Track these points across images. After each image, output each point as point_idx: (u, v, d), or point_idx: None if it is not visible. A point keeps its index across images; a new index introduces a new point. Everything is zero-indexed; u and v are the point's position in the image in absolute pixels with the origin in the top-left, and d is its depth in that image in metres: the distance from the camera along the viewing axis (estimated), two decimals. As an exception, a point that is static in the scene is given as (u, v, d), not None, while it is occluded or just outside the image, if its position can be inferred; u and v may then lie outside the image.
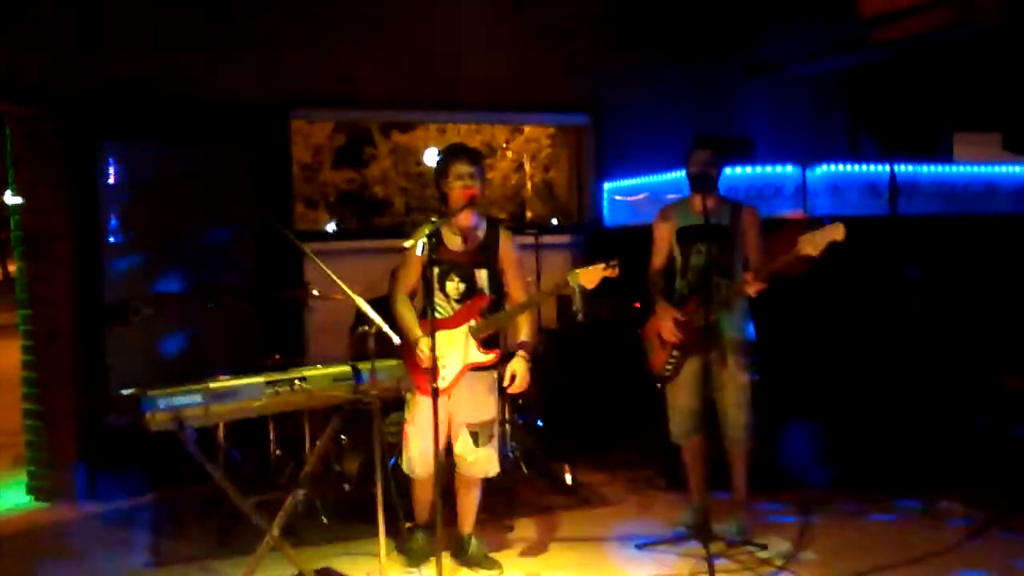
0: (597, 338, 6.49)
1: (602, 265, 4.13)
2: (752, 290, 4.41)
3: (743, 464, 4.73)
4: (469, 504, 4.50)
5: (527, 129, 14.47)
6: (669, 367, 4.72)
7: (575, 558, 4.62)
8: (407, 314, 4.30)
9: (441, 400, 3.88)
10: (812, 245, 4.22)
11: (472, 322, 4.26)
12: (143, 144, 5.98)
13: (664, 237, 4.84)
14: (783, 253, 4.36)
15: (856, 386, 5.79)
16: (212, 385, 3.64)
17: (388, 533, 3.80)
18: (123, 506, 5.68)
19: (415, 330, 4.21)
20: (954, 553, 4.52)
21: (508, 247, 4.42)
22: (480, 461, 4.38)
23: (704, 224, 4.54)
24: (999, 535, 4.71)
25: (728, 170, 6.10)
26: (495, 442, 4.42)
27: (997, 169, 6.89)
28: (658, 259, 4.86)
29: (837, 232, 4.20)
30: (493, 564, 4.47)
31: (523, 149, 15.28)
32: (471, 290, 4.30)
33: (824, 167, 6.15)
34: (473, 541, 4.53)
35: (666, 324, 4.63)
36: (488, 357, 4.28)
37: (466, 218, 4.33)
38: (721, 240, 4.61)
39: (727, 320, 4.61)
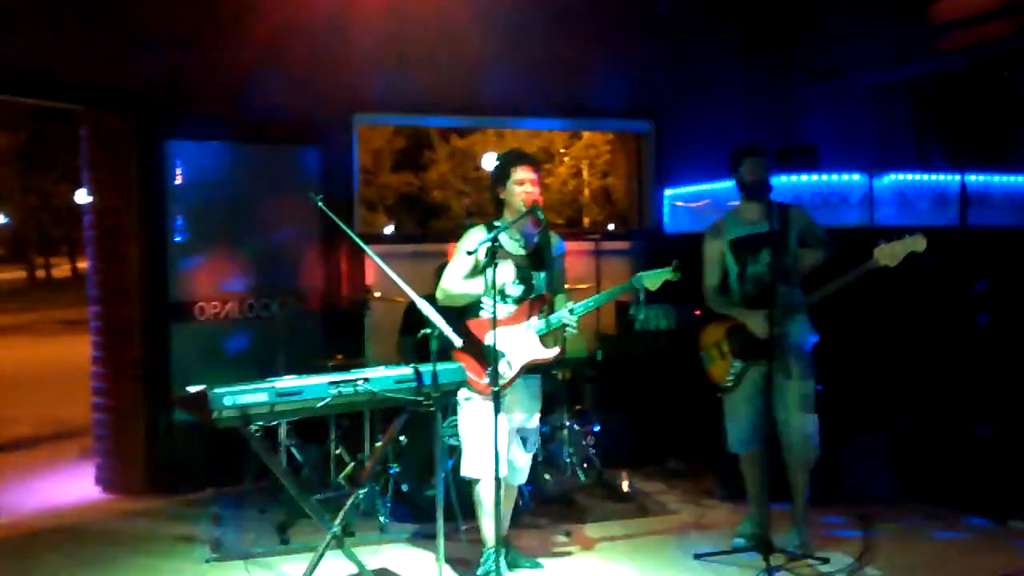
0: (656, 345, 6.45)
1: (667, 269, 4.14)
2: (817, 298, 4.37)
3: (804, 475, 4.65)
4: (509, 508, 4.54)
5: (585, 135, 14.42)
6: (731, 378, 4.67)
7: (632, 567, 4.59)
8: (466, 284, 4.29)
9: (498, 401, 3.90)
10: (891, 256, 4.16)
11: (533, 319, 4.28)
12: (210, 144, 6.10)
13: (717, 252, 4.79)
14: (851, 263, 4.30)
15: (923, 399, 5.67)
16: (277, 384, 3.69)
17: (446, 535, 3.81)
18: (186, 500, 5.78)
19: (478, 290, 4.22)
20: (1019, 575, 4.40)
21: (561, 249, 4.51)
22: (527, 467, 4.46)
23: (760, 232, 4.51)
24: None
25: (793, 178, 6.04)
26: (535, 449, 4.50)
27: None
28: (712, 277, 4.80)
29: (918, 243, 4.13)
30: (534, 563, 4.51)
31: (581, 155, 15.25)
32: (528, 292, 4.33)
33: (892, 176, 6.05)
34: (512, 542, 4.58)
35: (759, 324, 4.56)
36: (550, 354, 4.30)
37: (526, 223, 4.35)
38: (777, 246, 4.55)
39: (789, 329, 4.55)
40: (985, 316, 6.05)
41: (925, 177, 6.15)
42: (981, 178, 6.30)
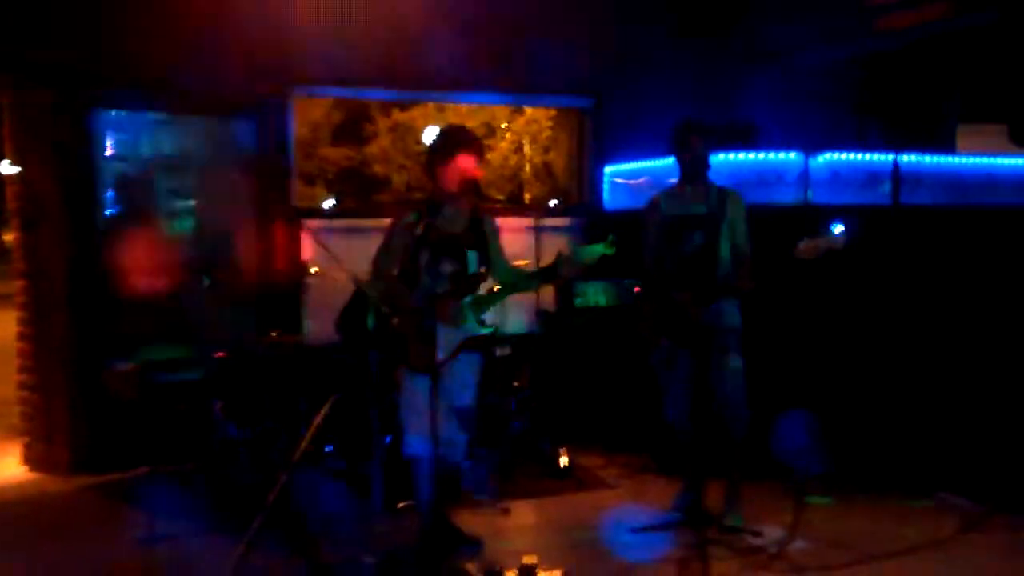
0: (594, 322, 6.47)
1: (601, 245, 4.15)
2: (744, 286, 4.47)
3: (737, 449, 4.73)
4: (448, 485, 4.53)
5: (527, 110, 14.35)
6: (663, 353, 4.72)
7: (569, 541, 4.62)
8: (400, 288, 4.26)
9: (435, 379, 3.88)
10: (812, 251, 4.25)
11: (469, 298, 4.26)
12: (141, 115, 5.94)
13: (653, 225, 4.82)
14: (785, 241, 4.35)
15: (853, 376, 5.79)
16: (210, 359, 3.62)
17: (384, 511, 3.79)
18: (117, 479, 5.66)
19: (413, 302, 4.16)
20: (947, 545, 4.53)
21: (492, 226, 4.47)
22: (464, 444, 4.46)
23: (693, 213, 4.56)
24: (996, 528, 4.72)
25: (731, 155, 6.09)
26: (470, 427, 4.50)
27: (1000, 161, 6.87)
28: (650, 247, 4.85)
29: (837, 243, 4.24)
30: (472, 541, 4.51)
31: (523, 130, 15.19)
32: (463, 269, 4.31)
33: (827, 155, 6.12)
34: (450, 521, 4.57)
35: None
36: (487, 330, 4.30)
37: (463, 200, 4.32)
38: (710, 229, 4.59)
39: (719, 311, 4.59)
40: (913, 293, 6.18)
41: (859, 157, 6.24)
42: (914, 159, 6.41)
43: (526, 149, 15.45)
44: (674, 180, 4.87)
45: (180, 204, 6.04)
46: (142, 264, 5.90)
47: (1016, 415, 5.63)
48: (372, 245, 5.25)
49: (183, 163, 6.03)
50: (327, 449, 5.19)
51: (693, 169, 4.63)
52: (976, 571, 4.23)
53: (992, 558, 4.38)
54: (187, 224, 6.07)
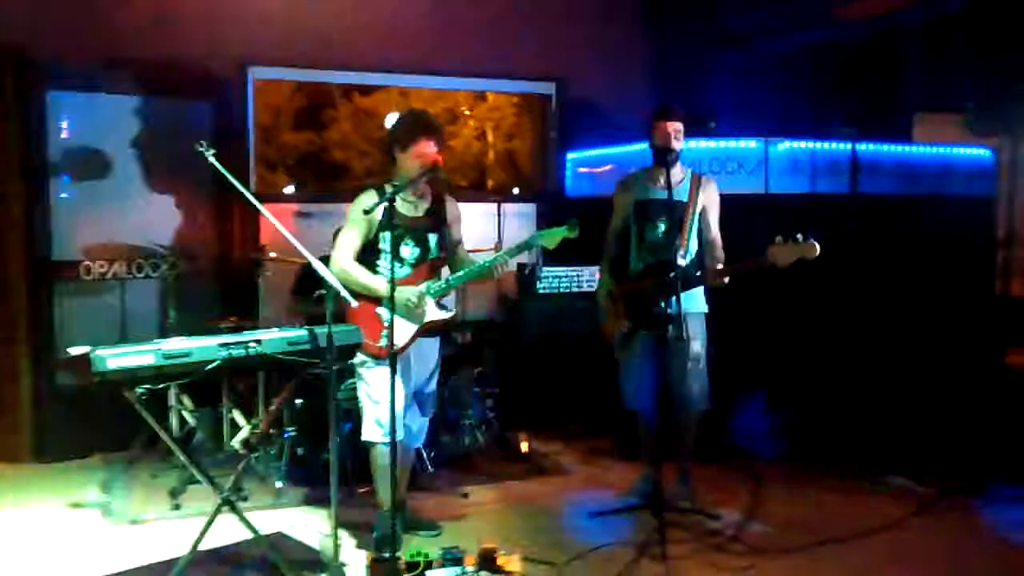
0: (555, 307, 6.49)
1: (564, 227, 4.14)
2: (713, 280, 4.49)
3: (692, 433, 4.78)
4: (407, 471, 4.54)
5: (491, 96, 14.30)
6: (620, 335, 4.74)
7: (529, 526, 4.64)
8: (363, 273, 4.23)
9: (395, 365, 3.86)
10: (783, 257, 4.26)
11: (429, 282, 4.24)
12: (97, 96, 5.83)
13: (623, 207, 4.83)
14: (745, 229, 4.39)
15: (811, 362, 5.86)
16: (164, 345, 3.57)
17: (342, 499, 3.77)
18: (72, 466, 5.59)
19: (378, 287, 4.14)
20: (900, 527, 4.61)
21: (455, 211, 4.45)
22: (424, 430, 4.48)
23: (664, 199, 4.55)
24: (945, 510, 4.81)
25: (691, 143, 6.11)
26: (431, 412, 4.53)
27: (956, 151, 6.97)
28: (616, 228, 4.86)
29: (810, 251, 4.25)
30: (431, 526, 4.51)
31: (486, 117, 15.13)
32: (424, 254, 4.29)
33: (786, 143, 6.17)
34: (409, 504, 4.58)
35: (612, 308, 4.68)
36: (446, 315, 4.29)
37: (423, 185, 4.30)
38: (679, 216, 4.60)
39: (683, 300, 4.60)
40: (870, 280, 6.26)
41: (818, 145, 6.30)
42: (871, 147, 6.49)
43: (489, 136, 15.40)
44: (641, 167, 4.88)
45: (136, 188, 5.94)
46: (98, 248, 5.82)
47: (965, 401, 5.74)
48: (332, 230, 5.22)
49: (140, 145, 5.93)
50: (286, 435, 5.15)
51: (661, 156, 4.63)
52: (927, 552, 4.30)
53: (942, 539, 4.46)
54: (144, 208, 5.97)
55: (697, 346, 4.68)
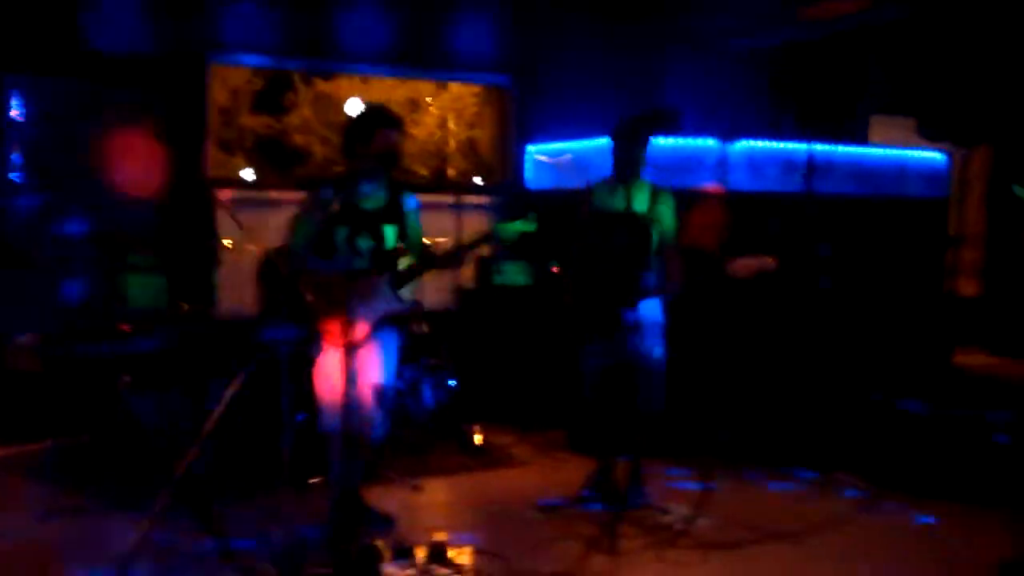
0: (511, 300, 6.50)
1: (522, 220, 4.15)
2: (673, 288, 4.56)
3: (644, 429, 4.83)
4: (362, 463, 4.51)
5: (452, 86, 14.27)
6: (582, 332, 4.77)
7: (481, 518, 4.65)
8: (320, 264, 4.19)
9: (353, 354, 3.85)
10: (744, 270, 4.33)
11: (386, 274, 4.23)
12: (52, 80, 5.73)
13: (583, 216, 4.85)
14: (702, 226, 4.44)
15: (762, 361, 5.93)
16: (116, 332, 3.53)
17: (292, 488, 3.75)
18: (19, 453, 5.48)
19: (330, 277, 4.11)
20: (845, 523, 4.69)
21: (413, 203, 4.43)
22: (378, 422, 4.42)
23: (623, 211, 4.60)
24: (889, 508, 4.90)
25: (651, 140, 6.14)
26: (389, 403, 4.49)
27: (910, 153, 7.09)
28: (578, 231, 4.86)
29: (769, 266, 4.33)
30: (385, 519, 4.51)
31: (448, 106, 15.05)
32: (379, 245, 4.28)
33: (744, 142, 6.23)
34: (363, 498, 4.56)
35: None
36: (403, 308, 4.29)
37: (382, 176, 4.28)
38: (638, 228, 4.63)
39: (641, 308, 4.64)
40: (826, 280, 6.36)
41: (775, 144, 6.37)
42: (827, 148, 6.57)
43: (451, 125, 15.34)
44: (596, 159, 4.90)
45: (91, 172, 5.84)
46: (51, 233, 5.72)
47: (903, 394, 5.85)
48: (288, 218, 5.18)
49: (95, 131, 5.83)
50: (238, 424, 5.10)
51: (627, 168, 4.66)
52: (870, 548, 4.39)
53: (886, 536, 4.55)
54: (98, 193, 5.88)
55: (655, 353, 4.72)
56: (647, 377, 4.70)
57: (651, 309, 4.70)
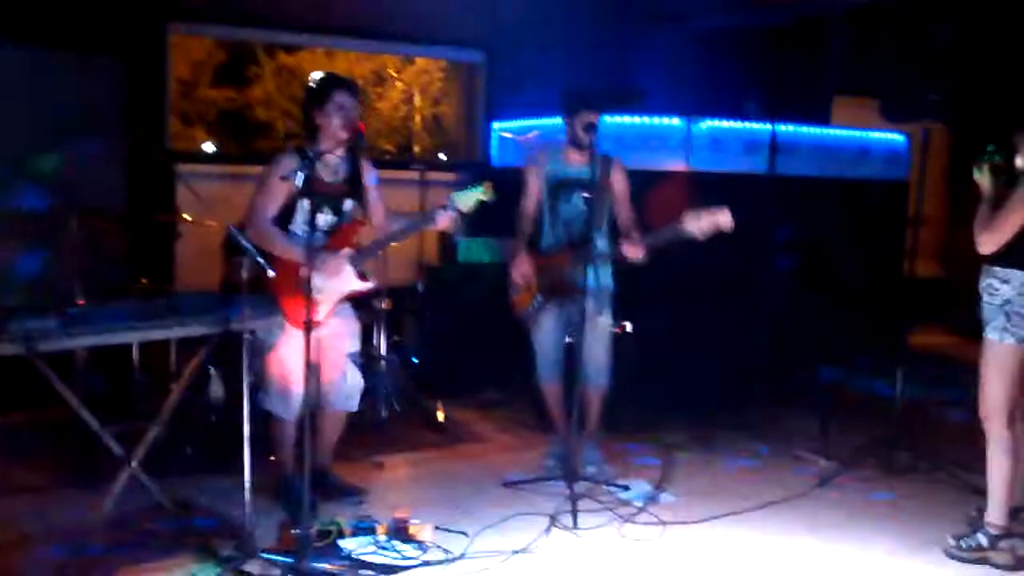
0: (475, 277, 6.49)
1: (479, 188, 4.14)
2: (632, 254, 4.51)
3: (599, 404, 4.88)
4: (335, 438, 4.53)
5: (419, 60, 14.14)
6: (532, 309, 4.81)
7: (442, 495, 4.66)
8: (282, 239, 4.15)
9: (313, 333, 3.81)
10: (697, 227, 4.35)
11: (347, 250, 4.20)
12: (4, 47, 5.58)
13: (535, 182, 4.85)
14: (665, 205, 4.46)
15: (722, 337, 5.99)
16: (70, 310, 3.47)
17: (254, 467, 3.74)
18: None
19: (296, 255, 4.06)
20: (803, 498, 4.76)
21: (369, 175, 4.39)
22: (355, 392, 4.43)
23: (575, 177, 4.64)
24: (846, 484, 4.98)
25: (617, 118, 6.15)
26: (358, 377, 4.49)
27: (872, 135, 7.16)
28: (529, 203, 4.89)
29: (724, 220, 4.34)
30: (359, 491, 4.51)
31: (414, 80, 14.93)
32: (340, 221, 4.26)
33: (708, 122, 6.26)
34: (334, 473, 4.59)
35: (522, 269, 4.75)
36: (365, 285, 4.27)
37: (340, 150, 4.23)
38: (591, 193, 4.64)
39: (594, 273, 4.66)
40: (787, 261, 6.43)
41: (739, 124, 6.40)
42: (791, 128, 6.62)
43: (416, 100, 15.23)
44: (551, 143, 4.93)
45: (44, 144, 5.71)
46: (2, 207, 5.60)
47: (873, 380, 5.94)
48: (250, 193, 5.11)
49: (49, 101, 5.70)
50: (199, 402, 5.06)
51: (579, 136, 4.66)
52: (829, 523, 4.45)
53: (844, 510, 4.62)
54: (52, 166, 5.75)
55: (605, 324, 4.78)
56: (599, 346, 4.74)
57: (603, 276, 4.74)
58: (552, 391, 4.92)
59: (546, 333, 4.84)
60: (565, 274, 4.67)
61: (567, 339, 4.75)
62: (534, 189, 4.86)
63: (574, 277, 4.57)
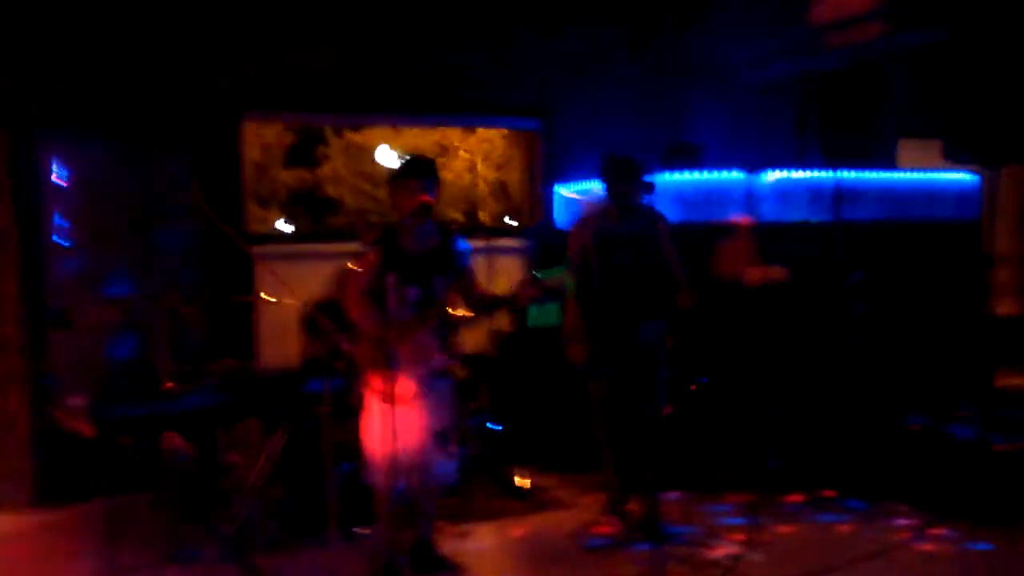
0: (549, 342, 6.52)
1: (561, 270, 4.26)
2: (686, 302, 4.60)
3: (651, 457, 4.84)
4: (429, 512, 4.51)
5: (481, 130, 14.42)
6: (589, 362, 4.88)
7: (528, 563, 4.66)
8: (370, 314, 4.21)
9: (402, 407, 3.88)
10: (755, 278, 4.41)
11: (433, 324, 4.27)
12: (91, 144, 5.90)
13: (584, 243, 4.92)
14: (732, 256, 4.52)
15: (801, 388, 5.91)
16: (162, 392, 3.62)
17: (340, 540, 3.80)
18: (72, 513, 5.58)
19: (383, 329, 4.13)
20: (896, 553, 4.63)
21: (462, 248, 4.44)
22: (449, 464, 4.46)
23: (623, 232, 4.79)
24: (942, 537, 4.83)
25: (676, 175, 6.22)
26: (454, 449, 4.48)
27: (939, 176, 7.07)
28: (580, 268, 4.95)
29: (778, 275, 4.46)
30: (453, 568, 4.51)
31: (476, 148, 15.20)
32: (429, 296, 4.29)
33: (771, 173, 6.26)
34: (431, 546, 4.56)
35: (573, 324, 4.86)
36: (449, 362, 4.32)
37: (420, 224, 4.31)
38: (639, 248, 4.72)
39: (646, 329, 4.72)
40: (861, 306, 6.34)
41: (802, 174, 6.39)
42: (854, 175, 6.58)
43: (479, 167, 15.47)
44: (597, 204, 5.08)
45: (129, 233, 5.99)
46: (93, 295, 5.86)
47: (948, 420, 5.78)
48: (324, 270, 5.28)
49: (133, 192, 5.99)
50: (285, 476, 5.16)
51: (621, 198, 4.83)
52: (924, 577, 4.33)
53: (940, 564, 4.48)
54: (136, 254, 6.02)
55: (658, 378, 4.87)
56: (652, 400, 4.79)
57: (656, 330, 4.79)
58: (616, 448, 4.95)
59: (601, 385, 4.89)
60: (626, 332, 4.70)
61: (619, 392, 4.80)
62: (583, 250, 4.93)
63: (623, 332, 4.61)
